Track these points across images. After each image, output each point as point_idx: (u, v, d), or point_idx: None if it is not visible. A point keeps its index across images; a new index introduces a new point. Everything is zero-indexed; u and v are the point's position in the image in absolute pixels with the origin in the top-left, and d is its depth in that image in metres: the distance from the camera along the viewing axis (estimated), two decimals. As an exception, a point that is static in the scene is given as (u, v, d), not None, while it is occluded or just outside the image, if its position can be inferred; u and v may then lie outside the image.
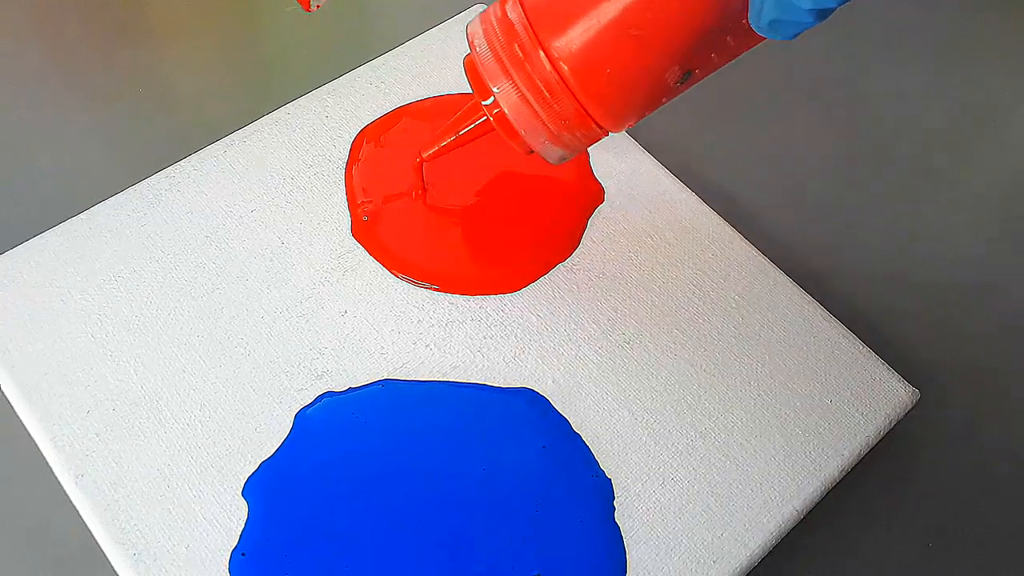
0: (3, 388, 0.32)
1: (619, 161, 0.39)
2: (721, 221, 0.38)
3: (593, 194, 0.38)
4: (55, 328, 0.33)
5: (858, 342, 0.35)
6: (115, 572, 0.29)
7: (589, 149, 0.39)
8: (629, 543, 0.31)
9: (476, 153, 0.37)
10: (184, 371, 0.33)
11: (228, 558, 0.29)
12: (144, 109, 0.41)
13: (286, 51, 0.44)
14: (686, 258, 0.37)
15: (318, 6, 0.34)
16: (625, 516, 0.31)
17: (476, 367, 0.34)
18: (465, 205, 0.38)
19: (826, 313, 0.36)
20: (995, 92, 0.46)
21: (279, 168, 0.38)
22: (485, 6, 0.43)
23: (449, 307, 0.35)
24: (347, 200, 0.37)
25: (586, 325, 0.35)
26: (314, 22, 0.45)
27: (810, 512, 0.33)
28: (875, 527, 0.34)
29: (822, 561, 0.33)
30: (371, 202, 0.37)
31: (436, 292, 0.35)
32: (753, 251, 0.37)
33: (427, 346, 0.34)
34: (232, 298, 0.34)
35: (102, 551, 0.30)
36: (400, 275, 0.35)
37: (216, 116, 0.40)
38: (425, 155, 0.36)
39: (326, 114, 0.39)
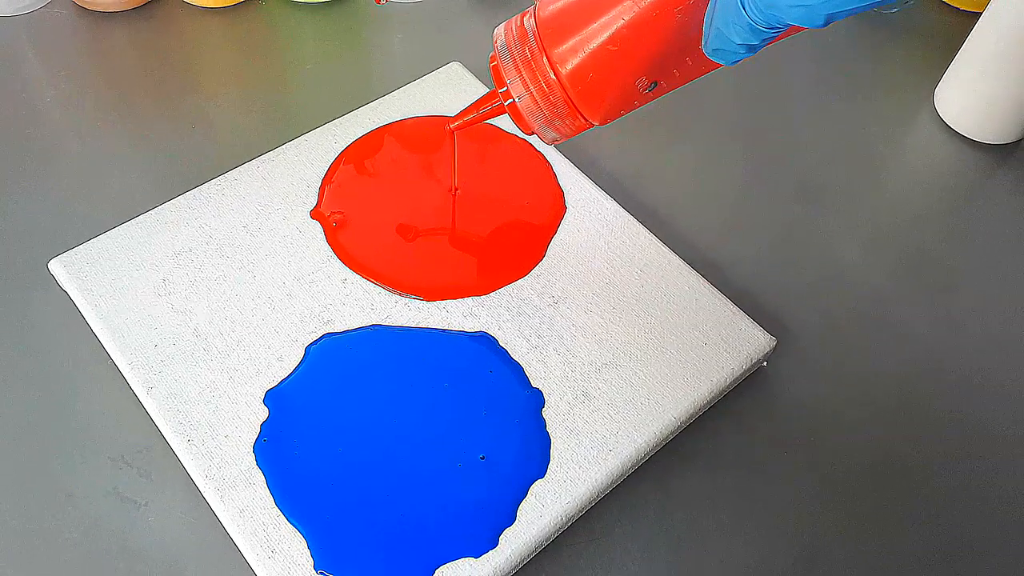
0: (95, 330, 0.44)
1: (569, 185, 0.51)
2: (634, 220, 0.49)
3: (558, 208, 0.50)
4: (132, 288, 0.45)
5: (729, 303, 0.46)
6: (174, 453, 0.41)
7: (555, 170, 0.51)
8: (553, 436, 0.41)
9: (458, 184, 0.49)
10: (225, 319, 0.44)
11: (254, 442, 0.41)
12: (197, 140, 0.54)
13: (304, 97, 0.57)
14: (603, 245, 0.48)
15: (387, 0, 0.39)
16: (550, 418, 0.42)
17: (442, 318, 0.45)
18: (446, 226, 0.49)
19: (706, 282, 0.47)
20: (870, 129, 0.58)
21: (298, 179, 0.50)
22: (460, 64, 0.56)
23: (423, 277, 0.47)
24: (317, 213, 0.48)
25: (526, 289, 0.46)
26: (324, 76, 0.58)
27: (692, 424, 0.44)
28: (743, 436, 0.44)
29: (701, 462, 0.43)
30: (340, 213, 0.49)
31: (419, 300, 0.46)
32: (655, 240, 0.48)
33: (405, 304, 0.46)
34: (262, 268, 0.46)
35: (164, 439, 0.41)
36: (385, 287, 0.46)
37: (251, 144, 0.52)
38: (452, 125, 0.43)
39: (334, 141, 0.52)
